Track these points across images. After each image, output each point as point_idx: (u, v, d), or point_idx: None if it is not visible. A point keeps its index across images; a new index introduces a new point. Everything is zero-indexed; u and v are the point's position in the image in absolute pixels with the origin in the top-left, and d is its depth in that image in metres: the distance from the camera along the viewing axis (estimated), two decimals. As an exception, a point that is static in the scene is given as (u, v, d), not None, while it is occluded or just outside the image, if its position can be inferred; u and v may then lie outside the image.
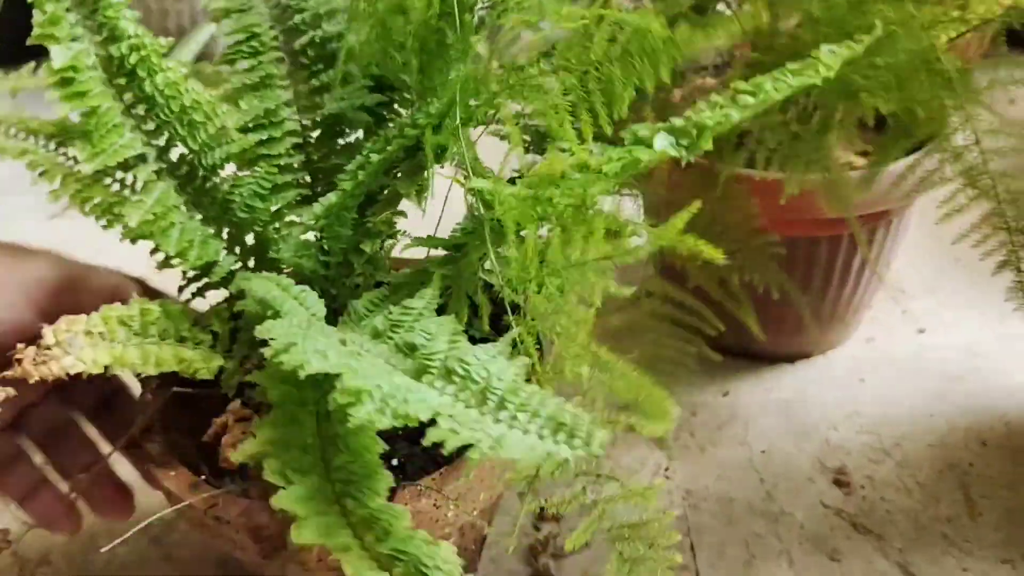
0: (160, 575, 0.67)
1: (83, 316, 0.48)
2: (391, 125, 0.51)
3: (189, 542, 0.71)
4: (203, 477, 0.51)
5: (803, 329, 0.80)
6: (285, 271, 0.56)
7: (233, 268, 0.54)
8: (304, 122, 0.57)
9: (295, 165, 0.56)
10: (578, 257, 0.38)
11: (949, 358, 0.85)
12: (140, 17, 0.53)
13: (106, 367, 0.47)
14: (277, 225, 0.55)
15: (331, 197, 0.49)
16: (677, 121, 0.39)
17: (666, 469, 0.75)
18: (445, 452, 0.35)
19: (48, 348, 0.47)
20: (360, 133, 0.57)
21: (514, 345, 0.44)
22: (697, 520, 0.70)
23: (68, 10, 0.51)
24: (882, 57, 0.46)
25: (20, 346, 0.46)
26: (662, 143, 0.38)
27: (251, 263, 0.56)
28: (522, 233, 0.42)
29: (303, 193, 0.57)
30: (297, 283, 0.53)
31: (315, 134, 0.57)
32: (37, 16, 0.50)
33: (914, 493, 0.72)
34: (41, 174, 0.56)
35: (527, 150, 0.56)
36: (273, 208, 0.55)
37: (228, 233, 0.55)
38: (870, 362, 0.84)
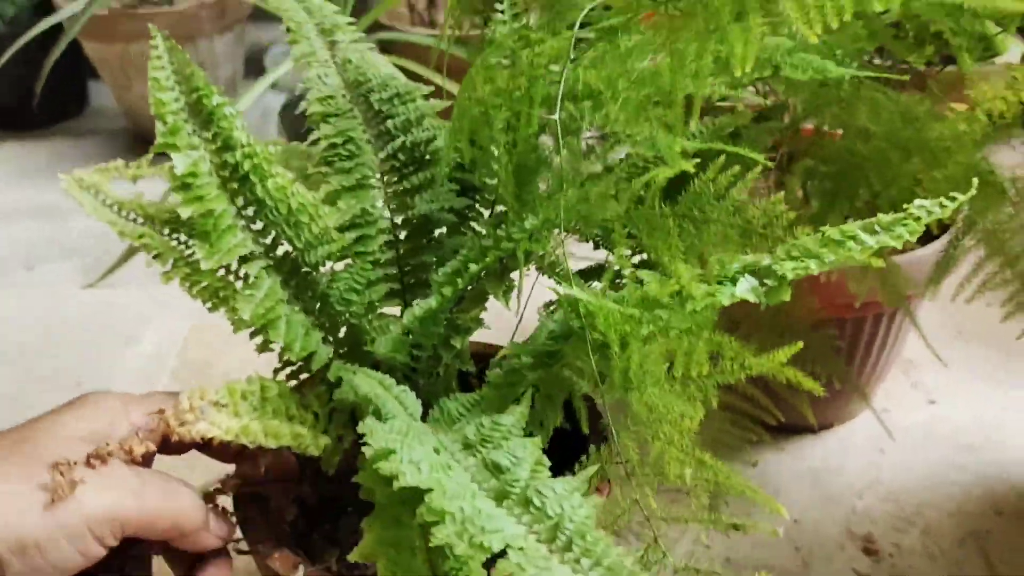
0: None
1: (211, 387, 0.52)
2: (483, 232, 0.55)
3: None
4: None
5: (828, 402, 0.85)
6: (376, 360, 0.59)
7: (330, 358, 0.58)
8: (395, 220, 0.61)
9: (386, 260, 0.60)
10: (681, 373, 0.43)
11: (960, 428, 0.90)
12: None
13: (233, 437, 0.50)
14: (370, 317, 0.59)
15: (430, 302, 0.53)
16: (761, 265, 0.43)
17: (705, 539, 0.79)
18: None
19: (184, 412, 0.51)
20: (444, 229, 0.62)
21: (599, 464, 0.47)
22: (740, 588, 0.74)
23: (186, 121, 0.55)
24: (939, 171, 0.51)
25: (163, 408, 0.50)
26: (744, 288, 0.43)
27: (344, 351, 0.60)
28: (624, 345, 0.46)
29: (393, 287, 0.61)
30: (387, 372, 0.57)
31: (403, 232, 0.61)
32: (159, 127, 0.54)
33: (938, 560, 0.76)
34: (155, 256, 0.60)
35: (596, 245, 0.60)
36: (367, 301, 0.59)
37: (324, 324, 0.59)
38: (887, 434, 0.90)
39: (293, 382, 0.60)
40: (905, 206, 0.42)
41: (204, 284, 0.58)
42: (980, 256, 0.56)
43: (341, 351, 0.60)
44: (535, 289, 0.57)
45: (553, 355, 0.51)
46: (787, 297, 0.44)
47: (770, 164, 0.53)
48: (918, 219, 0.45)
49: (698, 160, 0.44)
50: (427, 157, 0.61)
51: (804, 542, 0.78)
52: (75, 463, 0.48)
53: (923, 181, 0.52)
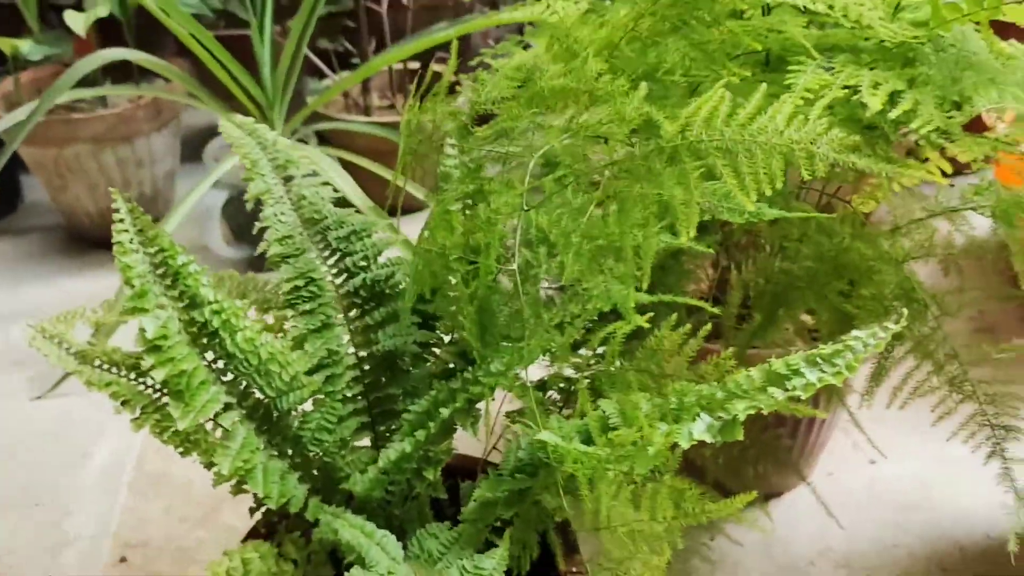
0: None
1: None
2: (449, 367, 0.58)
3: None
4: None
5: (776, 474, 0.90)
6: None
7: (306, 497, 0.60)
8: (360, 355, 0.63)
9: (354, 395, 0.63)
10: (646, 513, 0.46)
11: (901, 488, 0.95)
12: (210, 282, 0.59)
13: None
14: (343, 453, 0.61)
15: (404, 445, 0.55)
16: (716, 398, 0.47)
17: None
18: None
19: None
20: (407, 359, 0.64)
21: None
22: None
23: (153, 283, 0.57)
24: (867, 289, 0.56)
25: None
26: (700, 429, 0.46)
27: (319, 487, 0.62)
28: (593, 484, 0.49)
29: (362, 420, 0.63)
30: (362, 505, 0.59)
31: (368, 365, 0.64)
32: (126, 290, 0.56)
33: (892, 624, 0.81)
34: (123, 403, 0.61)
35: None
36: (339, 439, 0.61)
37: (298, 463, 0.61)
38: (833, 497, 0.94)
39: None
40: (842, 336, 0.45)
41: (174, 430, 0.60)
42: (910, 366, 0.61)
43: (316, 487, 0.61)
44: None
45: (524, 492, 0.54)
46: (740, 436, 0.47)
47: (707, 277, 0.57)
48: (855, 352, 0.50)
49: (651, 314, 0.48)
50: (387, 292, 0.64)
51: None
52: None
53: (853, 298, 0.56)
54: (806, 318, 0.66)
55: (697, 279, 0.57)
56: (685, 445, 0.47)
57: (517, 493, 0.54)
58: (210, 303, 0.57)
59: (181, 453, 0.61)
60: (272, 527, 0.63)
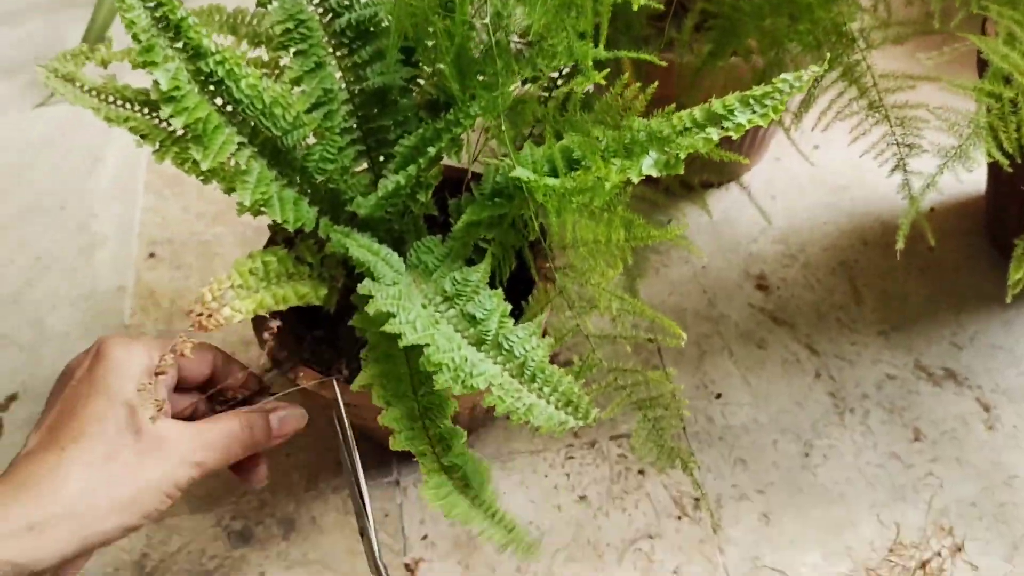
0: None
1: (227, 274, 0.64)
2: (439, 118, 0.65)
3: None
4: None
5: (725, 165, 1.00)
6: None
7: (317, 217, 0.70)
8: (352, 91, 0.70)
9: (350, 128, 0.71)
10: (603, 236, 0.56)
11: (837, 171, 1.07)
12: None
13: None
14: (346, 178, 0.70)
15: (399, 178, 0.64)
16: (663, 134, 0.56)
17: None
18: (496, 414, 0.54)
19: (209, 304, 0.64)
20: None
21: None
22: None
23: (156, 36, 0.62)
24: (803, 24, 0.62)
25: (192, 303, 0.62)
26: (648, 165, 0.55)
27: (327, 208, 0.72)
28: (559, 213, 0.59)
29: (359, 149, 0.72)
30: (364, 223, 0.70)
31: (359, 100, 0.71)
32: (135, 46, 0.62)
33: (815, 289, 0.96)
34: (143, 137, 0.70)
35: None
36: (341, 166, 0.70)
37: (307, 190, 0.70)
38: (779, 181, 1.06)
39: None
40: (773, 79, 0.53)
41: (194, 160, 0.68)
42: (836, 94, 0.69)
43: (324, 209, 0.72)
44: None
45: (503, 216, 0.64)
46: (681, 170, 0.57)
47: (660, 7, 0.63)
48: (783, 93, 0.58)
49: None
50: (372, 30, 0.70)
51: (709, 285, 0.97)
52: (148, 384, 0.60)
53: (790, 32, 0.62)
54: (757, 59, 0.73)
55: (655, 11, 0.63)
56: (636, 180, 0.56)
57: (497, 217, 0.64)
58: (213, 54, 0.63)
59: (203, 181, 0.70)
60: (290, 241, 0.74)
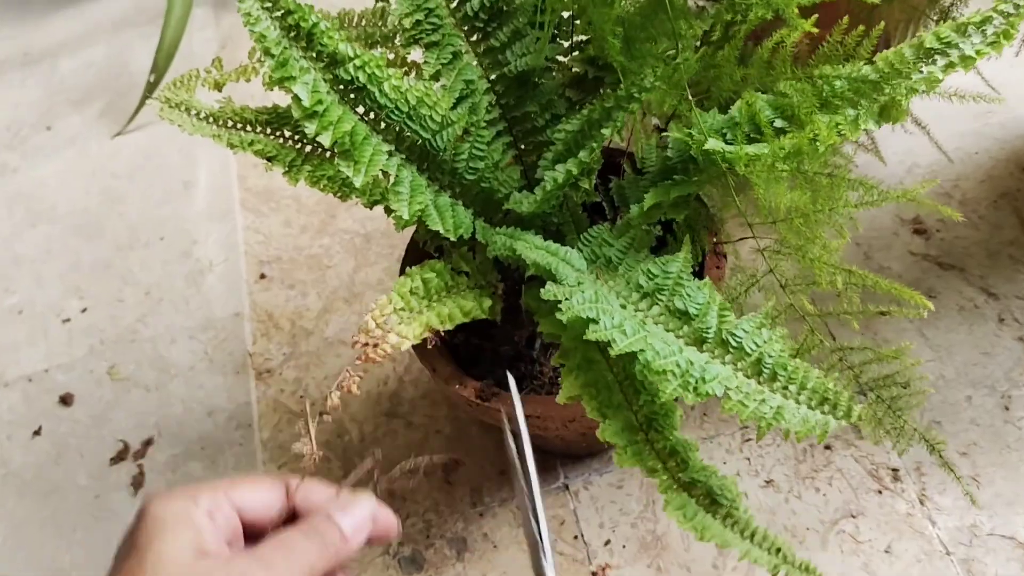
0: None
1: (387, 298, 0.58)
2: (605, 95, 0.58)
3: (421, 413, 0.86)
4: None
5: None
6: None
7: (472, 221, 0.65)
8: (490, 77, 0.65)
9: (495, 119, 0.65)
10: (823, 204, 0.50)
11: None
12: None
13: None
14: (497, 175, 0.64)
15: (570, 167, 0.58)
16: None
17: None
18: (740, 421, 0.48)
19: (374, 332, 0.59)
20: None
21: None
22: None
23: (289, 47, 0.57)
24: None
25: (357, 333, 0.57)
26: (864, 118, 0.49)
27: (479, 209, 0.66)
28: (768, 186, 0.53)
29: (506, 142, 0.66)
30: (518, 220, 0.64)
31: (500, 87, 0.65)
32: (267, 61, 0.56)
33: (979, 226, 0.89)
34: (270, 160, 0.65)
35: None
36: (492, 163, 0.64)
37: (457, 192, 0.65)
38: (915, 112, 0.98)
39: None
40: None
41: (330, 176, 0.63)
42: None
43: (477, 211, 0.66)
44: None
45: (688, 196, 0.58)
46: (904, 118, 0.50)
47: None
48: (1008, 15, 0.51)
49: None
50: (505, 9, 0.63)
51: (862, 236, 0.90)
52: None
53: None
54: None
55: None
56: (854, 136, 0.50)
57: (683, 197, 0.58)
58: (352, 58, 0.57)
59: (340, 198, 0.65)
60: (439, 249, 0.68)
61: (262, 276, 1.00)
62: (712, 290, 0.53)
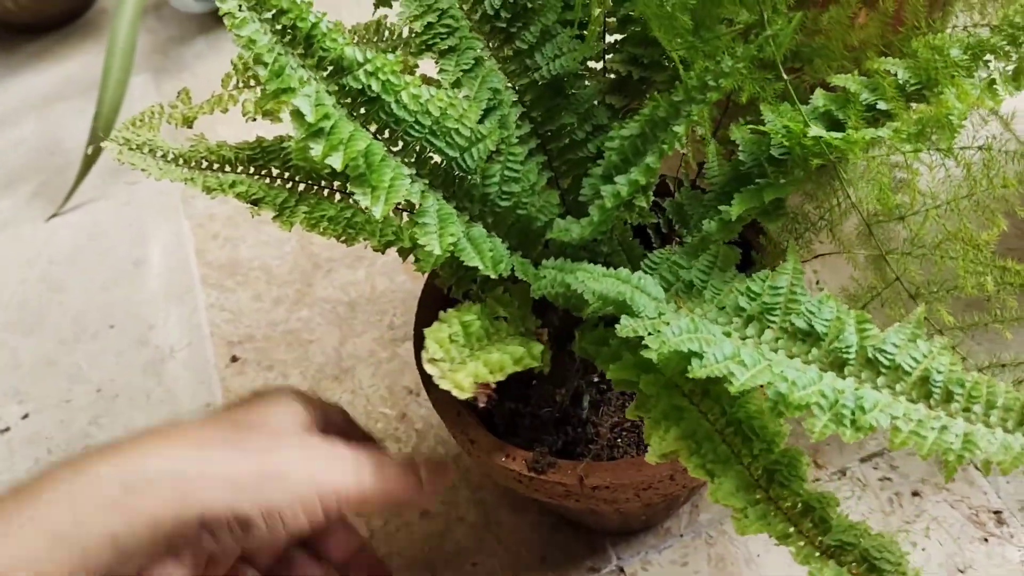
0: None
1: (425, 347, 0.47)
2: (671, 91, 0.49)
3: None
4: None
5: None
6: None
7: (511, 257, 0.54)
8: (516, 87, 0.55)
9: (526, 135, 0.55)
10: (974, 187, 0.41)
11: None
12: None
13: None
14: (535, 200, 0.54)
15: (634, 177, 0.48)
16: None
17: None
18: (921, 456, 0.37)
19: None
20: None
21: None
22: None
23: (283, 54, 0.47)
24: None
25: None
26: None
27: (515, 242, 0.56)
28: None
29: (540, 160, 0.56)
30: (560, 250, 0.54)
31: (529, 97, 0.55)
32: (260, 71, 0.46)
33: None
34: (254, 203, 0.54)
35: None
36: (528, 185, 0.54)
37: (489, 222, 0.54)
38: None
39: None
40: None
41: (331, 216, 0.52)
42: None
43: (512, 244, 0.56)
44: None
45: (779, 200, 0.49)
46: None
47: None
48: None
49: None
50: (530, 6, 0.54)
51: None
52: None
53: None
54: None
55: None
56: (995, 104, 0.41)
57: (772, 202, 0.49)
58: (361, 64, 0.47)
59: (345, 242, 0.54)
60: (467, 295, 0.57)
61: (234, 359, 0.87)
62: (839, 302, 0.43)
